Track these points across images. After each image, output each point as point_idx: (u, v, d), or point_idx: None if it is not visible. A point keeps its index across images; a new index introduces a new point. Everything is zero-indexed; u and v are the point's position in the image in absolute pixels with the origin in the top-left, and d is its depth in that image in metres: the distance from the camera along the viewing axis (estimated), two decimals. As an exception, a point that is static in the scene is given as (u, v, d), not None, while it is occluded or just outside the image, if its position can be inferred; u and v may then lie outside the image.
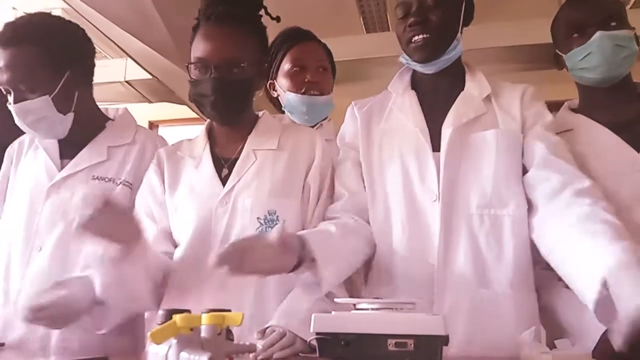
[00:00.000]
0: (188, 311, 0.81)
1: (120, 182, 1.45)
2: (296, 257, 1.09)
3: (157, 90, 3.90)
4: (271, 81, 1.85)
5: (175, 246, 1.32)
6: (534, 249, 1.22)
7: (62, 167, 1.47)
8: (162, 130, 4.69)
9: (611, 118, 1.36)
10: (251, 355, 0.97)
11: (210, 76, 1.26)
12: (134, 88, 3.96)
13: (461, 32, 1.34)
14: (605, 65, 1.33)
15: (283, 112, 1.85)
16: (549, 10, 1.56)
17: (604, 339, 1.10)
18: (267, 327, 1.12)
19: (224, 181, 1.31)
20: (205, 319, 0.76)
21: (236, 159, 1.34)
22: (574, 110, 1.46)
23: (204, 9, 1.31)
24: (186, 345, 0.71)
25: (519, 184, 1.23)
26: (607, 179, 1.28)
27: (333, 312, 0.89)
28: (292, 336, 1.09)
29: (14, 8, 3.13)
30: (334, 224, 1.25)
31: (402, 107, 1.38)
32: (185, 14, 1.35)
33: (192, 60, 1.29)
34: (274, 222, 1.26)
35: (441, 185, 1.24)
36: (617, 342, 0.86)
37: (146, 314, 1.32)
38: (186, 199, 1.33)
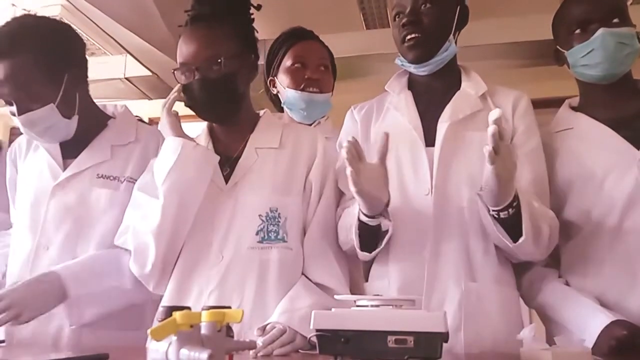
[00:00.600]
0: (188, 308, 0.81)
1: (125, 180, 1.45)
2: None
3: (157, 87, 3.90)
4: (272, 78, 1.85)
5: None
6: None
7: (65, 166, 1.47)
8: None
9: (611, 115, 1.35)
10: (251, 352, 0.98)
11: (195, 79, 1.27)
12: (134, 85, 3.95)
13: (455, 35, 1.38)
14: (608, 62, 1.33)
15: (282, 110, 1.85)
16: (549, 6, 1.55)
17: (604, 336, 1.11)
18: (268, 324, 1.12)
19: (226, 179, 1.31)
20: (205, 315, 0.76)
21: (238, 157, 1.34)
22: (574, 108, 1.46)
23: (186, 16, 1.32)
24: (186, 342, 0.71)
25: None
26: (607, 176, 1.29)
27: (333, 309, 0.89)
28: (292, 333, 1.09)
29: (13, 4, 3.12)
30: None
31: (397, 106, 1.40)
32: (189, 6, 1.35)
33: (177, 67, 1.31)
34: (276, 219, 1.27)
35: (434, 179, 1.26)
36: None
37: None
38: None
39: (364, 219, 1.19)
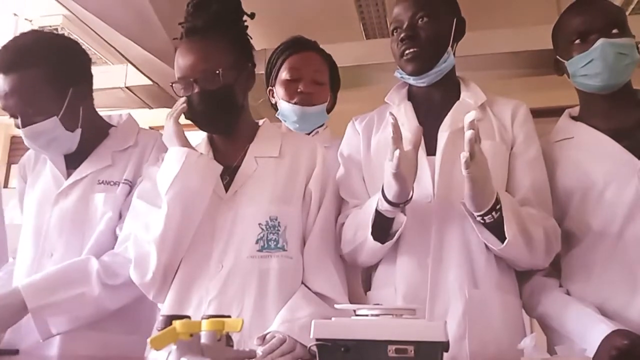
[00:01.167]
0: (188, 317, 0.81)
1: (121, 183, 1.47)
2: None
3: (158, 96, 3.91)
4: (270, 88, 1.86)
5: None
6: None
7: (69, 176, 1.49)
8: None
9: (612, 125, 1.36)
10: (251, 361, 0.97)
11: (194, 92, 1.28)
12: (135, 94, 3.96)
13: (453, 47, 1.39)
14: (607, 72, 1.33)
15: None
16: (547, 16, 1.56)
17: (605, 345, 1.11)
18: (268, 333, 1.12)
19: (225, 188, 1.32)
20: (205, 324, 0.76)
21: (237, 166, 1.34)
22: (574, 117, 1.46)
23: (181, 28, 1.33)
24: (186, 351, 0.71)
25: (503, 191, 1.27)
26: (608, 186, 1.29)
27: (333, 318, 0.89)
28: (292, 342, 1.09)
29: (15, 14, 3.14)
30: None
31: (398, 116, 1.39)
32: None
33: (175, 81, 1.31)
34: (276, 228, 1.27)
35: (436, 187, 1.27)
36: None
37: None
38: None
39: (384, 207, 1.20)
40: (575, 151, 1.38)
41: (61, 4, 2.75)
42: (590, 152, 1.35)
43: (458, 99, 1.40)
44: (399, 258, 1.28)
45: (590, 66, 1.35)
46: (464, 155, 1.05)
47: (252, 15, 1.38)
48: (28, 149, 1.51)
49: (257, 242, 1.25)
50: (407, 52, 1.35)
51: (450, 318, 1.20)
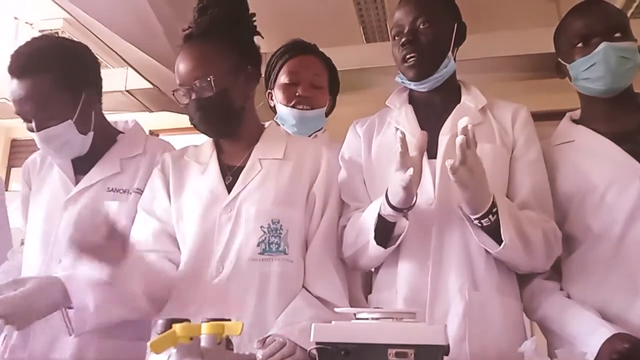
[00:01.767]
0: (188, 320, 0.80)
1: (133, 191, 1.48)
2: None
3: (158, 99, 3.91)
4: (269, 90, 1.87)
5: (178, 248, 1.33)
6: None
7: (77, 182, 1.50)
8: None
9: (613, 128, 1.36)
10: (251, 364, 0.97)
11: (191, 99, 1.29)
12: (135, 97, 3.96)
13: (454, 51, 1.40)
14: (610, 76, 1.33)
15: None
16: (548, 20, 1.57)
17: (605, 349, 1.10)
18: (268, 336, 1.12)
19: (228, 189, 1.32)
20: (205, 328, 0.76)
21: (241, 167, 1.34)
22: (575, 121, 1.46)
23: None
24: (186, 354, 0.71)
25: (503, 194, 1.28)
26: (609, 189, 1.29)
27: (333, 322, 0.88)
28: (292, 345, 1.09)
29: (15, 18, 3.14)
30: None
31: (399, 120, 1.42)
32: (187, 24, 1.36)
33: (177, 88, 1.32)
34: (278, 231, 1.27)
35: (437, 190, 1.27)
36: None
37: None
38: (191, 205, 1.33)
39: (387, 212, 1.20)
40: (576, 154, 1.38)
41: (62, 7, 2.76)
42: (591, 155, 1.35)
43: (459, 102, 1.40)
44: (400, 261, 1.28)
45: (593, 70, 1.35)
46: (449, 162, 1.07)
47: (252, 15, 1.39)
48: (28, 152, 1.51)
49: (258, 245, 1.25)
50: (408, 57, 1.35)
51: (451, 320, 1.20)
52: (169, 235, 1.34)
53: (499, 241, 1.18)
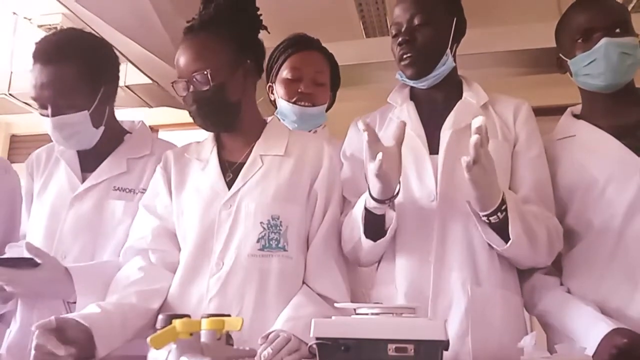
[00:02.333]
0: (188, 316, 0.80)
1: (139, 191, 1.49)
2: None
3: (157, 94, 3.90)
4: (270, 84, 1.86)
5: (176, 247, 1.33)
6: None
7: (84, 179, 1.51)
8: (162, 135, 4.68)
9: (614, 123, 1.36)
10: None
11: (188, 92, 1.30)
12: (134, 93, 3.95)
13: (453, 48, 1.39)
14: (611, 72, 1.33)
15: None
16: (549, 14, 1.56)
17: (605, 344, 1.11)
18: (271, 332, 1.12)
19: (229, 185, 1.31)
20: (205, 323, 0.76)
21: (242, 164, 1.34)
22: (576, 116, 1.46)
23: None
24: (186, 350, 0.71)
25: (506, 190, 1.27)
26: (609, 184, 1.29)
27: (333, 317, 0.88)
28: (297, 341, 1.09)
29: (14, 13, 3.13)
30: None
31: (400, 116, 1.41)
32: (186, 19, 1.36)
33: (175, 80, 1.33)
34: (277, 228, 1.26)
35: (439, 186, 1.27)
36: None
37: None
38: (191, 201, 1.33)
39: (371, 205, 1.20)
40: (577, 149, 1.37)
41: (60, 2, 2.75)
42: (592, 150, 1.35)
43: (460, 98, 1.40)
44: (400, 256, 1.28)
45: (593, 65, 1.34)
46: (465, 159, 1.06)
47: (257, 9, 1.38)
48: (28, 147, 1.51)
49: (258, 241, 1.25)
50: (404, 56, 1.36)
51: (453, 315, 1.20)
52: (168, 233, 1.34)
53: (505, 238, 1.17)
